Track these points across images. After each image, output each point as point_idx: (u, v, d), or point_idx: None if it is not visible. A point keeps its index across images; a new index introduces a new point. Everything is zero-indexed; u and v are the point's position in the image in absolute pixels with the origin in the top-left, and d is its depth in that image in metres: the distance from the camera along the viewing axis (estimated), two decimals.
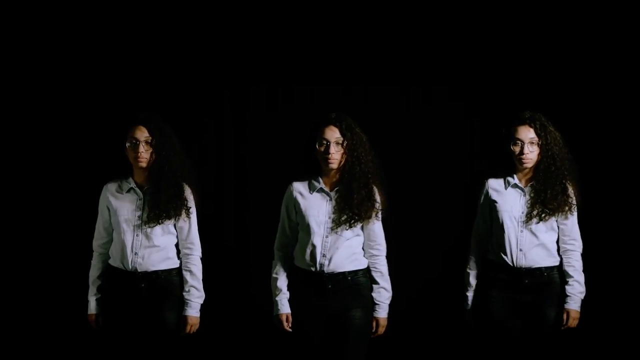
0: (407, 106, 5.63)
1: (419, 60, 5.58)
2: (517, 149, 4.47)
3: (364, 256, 4.50)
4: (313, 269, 4.43)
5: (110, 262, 4.52)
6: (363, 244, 4.51)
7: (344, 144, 4.42)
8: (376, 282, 4.50)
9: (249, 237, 5.62)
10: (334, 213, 4.43)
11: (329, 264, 4.42)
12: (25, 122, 5.52)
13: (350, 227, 4.44)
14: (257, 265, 5.08)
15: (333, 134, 4.41)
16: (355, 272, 4.47)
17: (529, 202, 4.51)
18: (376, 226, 4.49)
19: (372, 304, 4.48)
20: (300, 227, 4.48)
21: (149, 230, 4.47)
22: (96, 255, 4.55)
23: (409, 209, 5.45)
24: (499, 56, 5.52)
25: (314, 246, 4.42)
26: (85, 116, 5.50)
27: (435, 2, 5.54)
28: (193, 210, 4.56)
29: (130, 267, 4.45)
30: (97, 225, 4.57)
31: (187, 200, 4.53)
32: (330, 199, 4.46)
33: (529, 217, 4.49)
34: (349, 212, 4.44)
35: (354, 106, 5.27)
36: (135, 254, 4.48)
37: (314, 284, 4.43)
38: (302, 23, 5.56)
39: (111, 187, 4.53)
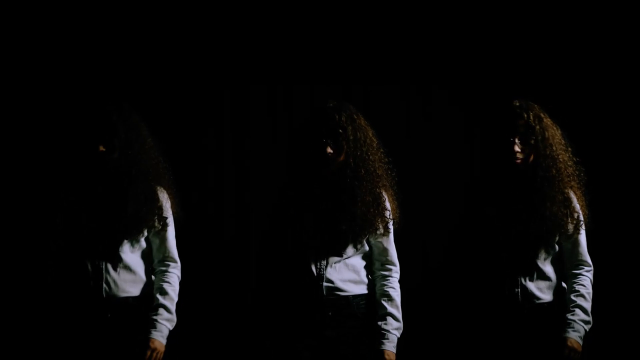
0: (407, 106, 5.63)
1: (419, 60, 5.58)
2: (507, 147, 3.77)
3: (367, 277, 3.73)
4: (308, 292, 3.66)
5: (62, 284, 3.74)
6: (368, 263, 3.75)
7: (345, 140, 3.70)
8: (384, 309, 3.71)
9: (249, 237, 5.62)
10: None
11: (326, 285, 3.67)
12: (24, 122, 5.52)
13: (352, 241, 3.66)
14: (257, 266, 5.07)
15: (332, 128, 3.70)
16: (360, 297, 3.70)
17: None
18: (385, 241, 3.76)
19: (377, 336, 3.69)
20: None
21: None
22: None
23: (409, 209, 5.45)
24: (499, 56, 5.52)
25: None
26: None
27: (436, 2, 5.54)
28: (170, 221, 3.83)
29: (92, 291, 3.69)
30: None
31: (162, 209, 3.79)
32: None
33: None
34: (349, 223, 3.66)
35: (354, 106, 5.27)
36: (99, 275, 3.71)
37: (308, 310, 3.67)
38: (302, 23, 5.56)
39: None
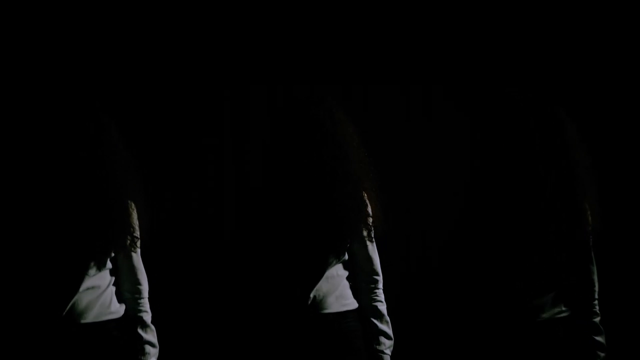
0: (407, 106, 5.63)
1: (420, 60, 5.57)
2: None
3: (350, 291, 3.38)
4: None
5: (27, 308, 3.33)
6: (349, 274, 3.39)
7: (322, 136, 3.37)
8: (374, 327, 3.44)
9: (249, 238, 5.62)
10: None
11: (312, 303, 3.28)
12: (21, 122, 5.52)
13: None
14: (257, 267, 5.07)
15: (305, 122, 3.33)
16: (344, 315, 3.34)
17: None
18: (369, 249, 3.42)
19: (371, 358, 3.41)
20: None
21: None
22: None
23: (408, 209, 5.45)
24: (499, 55, 5.52)
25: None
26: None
27: (436, 2, 5.54)
28: (138, 241, 3.46)
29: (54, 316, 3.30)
30: None
31: (132, 227, 3.42)
32: None
33: None
34: (329, 228, 3.31)
35: (354, 106, 5.27)
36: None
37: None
38: (302, 23, 5.56)
39: None
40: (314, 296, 3.34)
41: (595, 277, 3.69)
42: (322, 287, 3.35)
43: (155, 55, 5.52)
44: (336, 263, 3.39)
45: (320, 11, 5.55)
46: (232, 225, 5.64)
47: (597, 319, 3.68)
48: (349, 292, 3.44)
